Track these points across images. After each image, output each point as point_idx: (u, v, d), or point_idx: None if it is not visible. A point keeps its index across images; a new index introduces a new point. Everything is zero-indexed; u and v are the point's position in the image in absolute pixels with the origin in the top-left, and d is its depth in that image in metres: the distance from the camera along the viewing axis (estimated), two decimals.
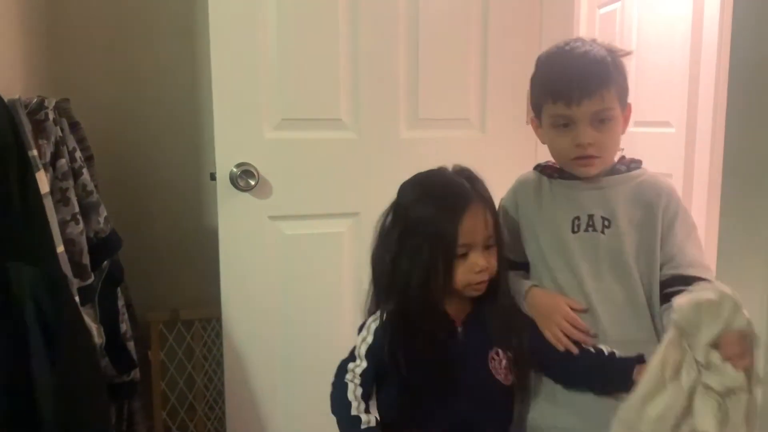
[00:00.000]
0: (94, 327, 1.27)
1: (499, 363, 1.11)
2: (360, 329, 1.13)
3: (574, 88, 1.09)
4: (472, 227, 1.06)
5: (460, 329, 1.12)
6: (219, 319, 1.66)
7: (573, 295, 1.16)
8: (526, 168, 1.83)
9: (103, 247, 1.38)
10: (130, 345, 1.49)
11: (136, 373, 1.50)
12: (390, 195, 1.12)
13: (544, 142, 1.20)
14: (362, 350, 1.09)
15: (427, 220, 1.07)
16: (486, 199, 1.10)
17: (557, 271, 1.18)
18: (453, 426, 1.08)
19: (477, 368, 1.10)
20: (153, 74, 1.89)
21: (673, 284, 1.09)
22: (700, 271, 1.09)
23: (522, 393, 1.15)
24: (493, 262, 1.10)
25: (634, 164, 1.20)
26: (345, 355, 1.11)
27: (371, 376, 1.07)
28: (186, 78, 1.90)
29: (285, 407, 1.68)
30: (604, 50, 1.14)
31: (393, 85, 1.67)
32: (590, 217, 1.15)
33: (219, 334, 1.75)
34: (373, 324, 1.10)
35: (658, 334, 1.11)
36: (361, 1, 1.62)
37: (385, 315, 1.09)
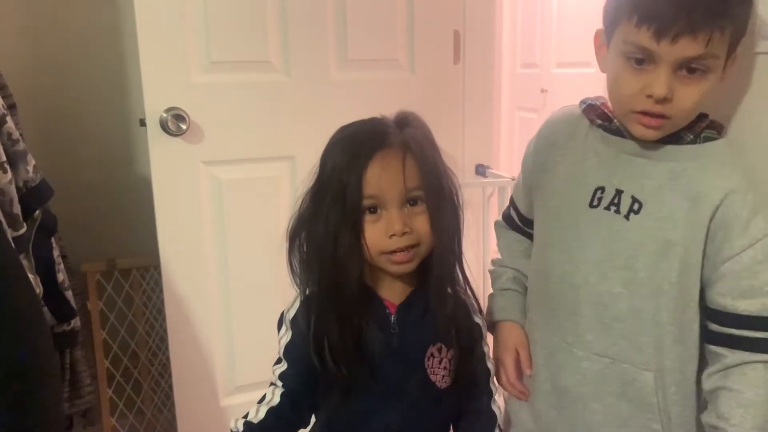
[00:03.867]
0: (30, 277, 1.27)
1: (438, 362, 0.91)
2: (279, 325, 0.94)
3: (675, 14, 0.75)
4: (381, 176, 0.83)
5: (393, 317, 0.91)
6: (157, 267, 1.67)
7: (559, 285, 0.92)
8: (453, 108, 1.88)
9: (33, 196, 1.36)
10: (69, 294, 1.49)
11: (76, 322, 1.51)
12: (323, 137, 1.00)
13: (603, 71, 0.89)
14: (281, 348, 0.91)
15: (332, 170, 0.85)
16: (414, 146, 0.85)
17: (552, 247, 0.94)
18: None
19: (411, 366, 0.90)
20: (74, 18, 1.81)
21: (718, 319, 0.83)
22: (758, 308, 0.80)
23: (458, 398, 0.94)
24: (421, 227, 0.86)
25: (709, 133, 0.86)
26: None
27: (295, 379, 0.89)
28: (109, 21, 1.84)
29: (227, 348, 1.73)
30: None
31: (321, 26, 1.67)
32: (618, 193, 0.87)
33: (158, 282, 1.76)
34: (290, 312, 0.92)
35: (663, 356, 0.86)
36: None
37: (301, 299, 0.91)
